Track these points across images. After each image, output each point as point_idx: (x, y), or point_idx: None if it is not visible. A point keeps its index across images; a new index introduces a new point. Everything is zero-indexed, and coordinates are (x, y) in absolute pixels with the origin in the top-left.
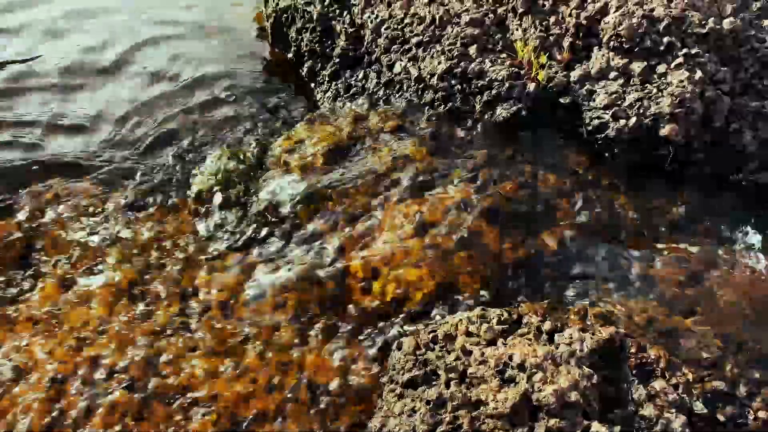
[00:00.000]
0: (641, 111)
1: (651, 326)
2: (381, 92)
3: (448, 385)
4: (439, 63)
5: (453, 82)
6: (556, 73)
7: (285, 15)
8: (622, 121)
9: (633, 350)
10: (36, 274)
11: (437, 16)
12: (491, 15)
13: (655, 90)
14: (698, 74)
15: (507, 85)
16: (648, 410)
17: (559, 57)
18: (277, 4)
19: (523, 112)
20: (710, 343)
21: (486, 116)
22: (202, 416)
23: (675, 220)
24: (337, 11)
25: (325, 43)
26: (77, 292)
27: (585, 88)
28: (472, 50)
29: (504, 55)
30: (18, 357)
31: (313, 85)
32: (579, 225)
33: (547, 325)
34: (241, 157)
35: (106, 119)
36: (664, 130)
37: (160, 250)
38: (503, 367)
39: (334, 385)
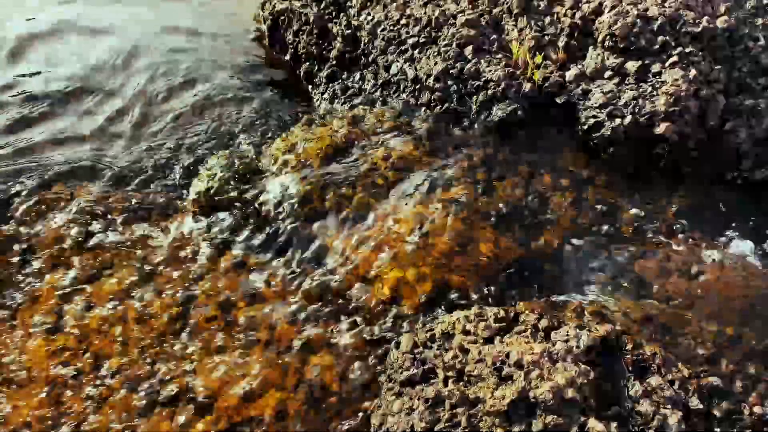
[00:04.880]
0: (636, 110)
1: (647, 323)
2: (378, 93)
3: (446, 383)
4: (436, 64)
5: (449, 82)
6: (552, 72)
7: (282, 17)
8: (618, 120)
9: (629, 347)
10: (36, 276)
11: (433, 18)
12: (486, 16)
13: (650, 89)
14: (693, 73)
15: (503, 85)
16: (644, 406)
17: (554, 57)
18: (274, 7)
19: (519, 112)
20: (706, 340)
21: (482, 116)
22: (203, 416)
23: (671, 218)
24: (334, 13)
25: (321, 45)
26: (77, 295)
27: (580, 87)
28: (468, 51)
29: (500, 56)
30: (19, 359)
31: (310, 86)
32: (575, 223)
33: (543, 323)
34: (239, 158)
35: (104, 122)
36: (660, 129)
37: (159, 251)
38: (500, 365)
39: (333, 383)
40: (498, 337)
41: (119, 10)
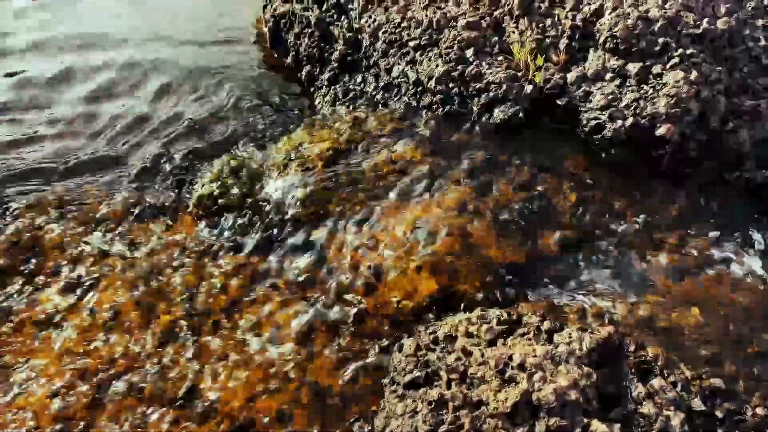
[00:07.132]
0: (637, 111)
1: (649, 325)
2: (379, 96)
3: (449, 386)
4: (437, 66)
5: (451, 85)
6: (553, 74)
7: (283, 20)
8: (619, 122)
9: (632, 349)
10: (40, 279)
11: (434, 20)
12: (488, 18)
13: (651, 90)
14: (694, 74)
15: (504, 87)
16: (647, 408)
17: (555, 59)
18: (276, 10)
19: (521, 114)
20: (708, 341)
21: (484, 118)
22: (207, 417)
23: (672, 219)
24: (335, 16)
25: (323, 48)
26: (81, 298)
27: (582, 89)
28: (470, 53)
29: (501, 58)
30: (24, 362)
31: (312, 89)
32: (577, 225)
33: (546, 325)
34: (242, 161)
35: (105, 123)
36: (661, 130)
37: (162, 254)
38: (503, 367)
39: (336, 386)
40: (501, 340)
41: (118, 13)
